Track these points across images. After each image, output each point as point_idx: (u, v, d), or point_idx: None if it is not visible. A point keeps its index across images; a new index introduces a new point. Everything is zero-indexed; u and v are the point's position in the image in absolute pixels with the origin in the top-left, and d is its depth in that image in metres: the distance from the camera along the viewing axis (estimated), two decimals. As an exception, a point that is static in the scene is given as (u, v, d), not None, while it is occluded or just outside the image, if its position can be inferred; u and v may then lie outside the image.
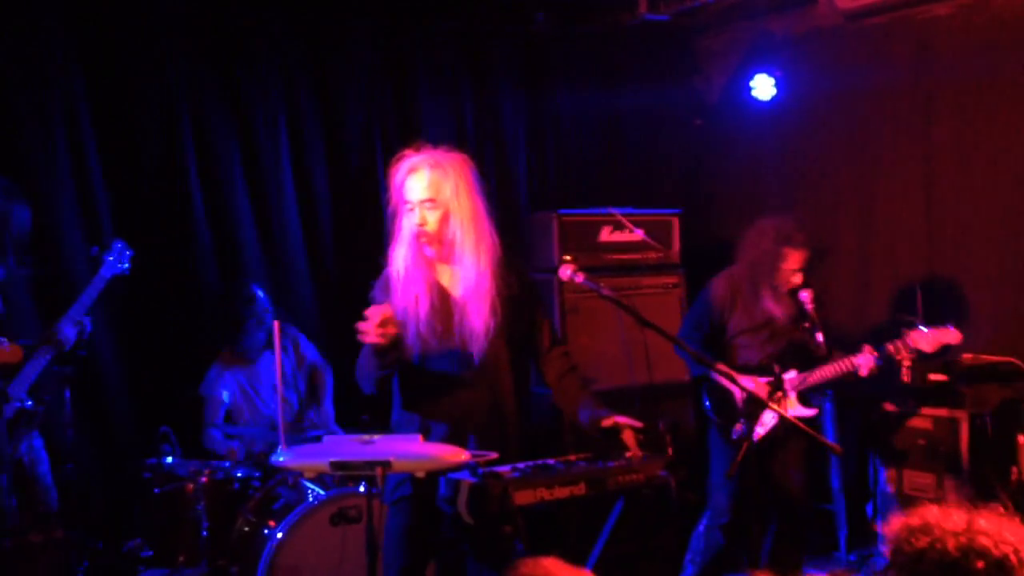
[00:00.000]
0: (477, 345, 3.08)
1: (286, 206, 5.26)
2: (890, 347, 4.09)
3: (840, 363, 4.08)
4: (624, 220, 5.17)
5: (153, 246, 4.67)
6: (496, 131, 5.90)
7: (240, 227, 5.13)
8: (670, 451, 3.09)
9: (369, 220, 5.53)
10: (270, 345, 4.61)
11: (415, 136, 5.54)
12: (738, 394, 4.08)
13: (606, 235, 5.29)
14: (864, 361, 4.06)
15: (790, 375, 4.11)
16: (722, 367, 4.05)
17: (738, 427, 4.01)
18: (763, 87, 5.67)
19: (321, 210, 5.40)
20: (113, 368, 4.72)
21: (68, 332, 3.79)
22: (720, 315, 4.26)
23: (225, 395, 4.62)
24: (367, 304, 3.23)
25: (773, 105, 5.71)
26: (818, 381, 4.13)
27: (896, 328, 4.14)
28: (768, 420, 4.04)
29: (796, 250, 4.17)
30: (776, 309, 4.21)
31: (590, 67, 6.11)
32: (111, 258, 4.04)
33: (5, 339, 3.13)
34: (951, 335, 4.06)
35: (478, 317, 3.08)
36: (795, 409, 4.09)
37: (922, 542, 1.68)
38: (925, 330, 4.04)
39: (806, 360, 4.15)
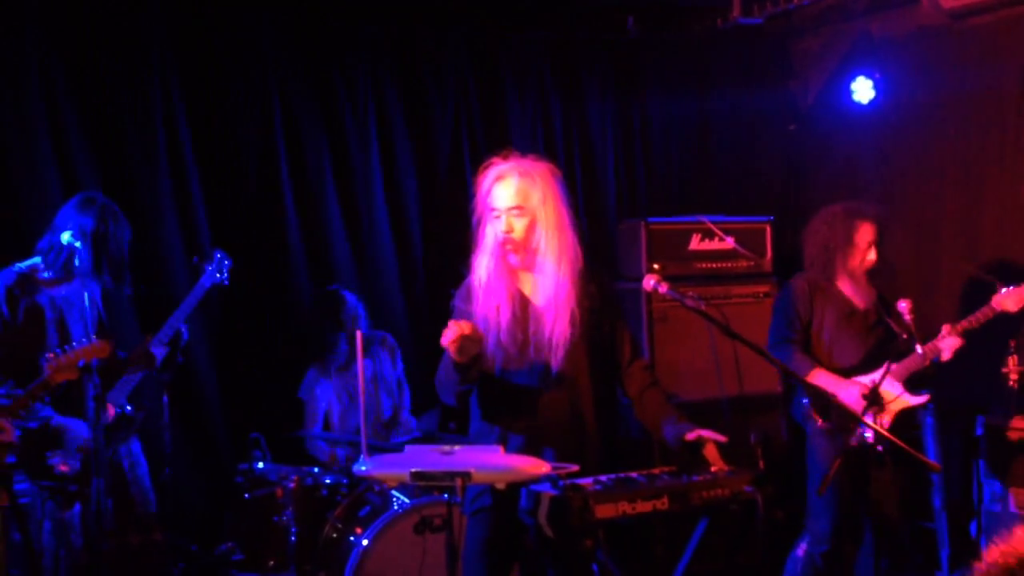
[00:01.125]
0: (556, 356, 3.05)
1: (376, 215, 5.33)
2: (970, 319, 3.94)
3: (925, 349, 3.92)
4: (714, 228, 5.07)
5: (248, 256, 4.79)
6: (584, 138, 5.87)
7: (332, 236, 5.22)
8: (761, 465, 3.01)
9: (457, 229, 5.55)
10: (368, 352, 4.66)
11: (502, 144, 5.55)
12: (842, 396, 3.92)
13: (696, 243, 5.20)
14: (946, 344, 3.89)
15: (884, 372, 3.94)
16: (820, 373, 3.93)
17: (858, 431, 3.83)
18: (862, 90, 5.50)
19: (411, 219, 5.45)
20: (208, 375, 4.85)
21: (157, 352, 3.88)
22: (805, 314, 4.13)
23: (322, 400, 4.68)
24: (451, 312, 3.24)
25: (872, 109, 5.52)
26: (906, 373, 3.96)
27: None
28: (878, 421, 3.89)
29: (866, 221, 4.05)
30: (855, 295, 4.08)
31: (681, 72, 6.03)
32: (211, 267, 4.12)
33: (95, 336, 3.23)
34: None
35: (558, 327, 3.05)
36: (902, 399, 3.91)
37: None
38: (1006, 290, 3.87)
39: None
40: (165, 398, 4.13)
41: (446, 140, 5.52)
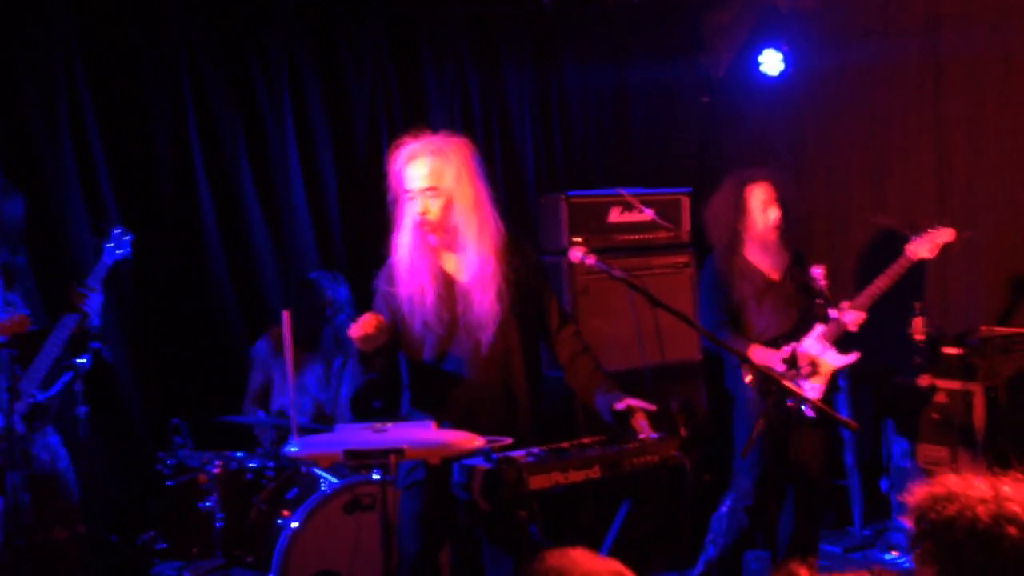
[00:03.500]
0: (485, 331, 3.06)
1: (294, 194, 5.23)
2: (888, 272, 3.99)
3: (829, 326, 4.01)
4: (633, 200, 5.12)
5: (159, 238, 4.66)
6: (503, 113, 5.85)
7: (248, 215, 5.11)
8: (683, 431, 3.08)
9: (376, 207, 5.49)
10: (340, 348, 4.56)
11: (421, 119, 5.53)
12: (777, 367, 4.00)
13: (615, 216, 5.25)
14: (849, 318, 3.97)
15: (809, 341, 4.03)
16: (756, 349, 4.00)
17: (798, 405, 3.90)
18: (771, 62, 5.62)
19: (329, 198, 5.37)
20: (122, 362, 4.71)
21: (93, 298, 3.75)
22: (725, 293, 4.18)
23: (266, 370, 4.59)
24: (374, 294, 3.22)
25: (782, 80, 5.65)
26: (834, 335, 4.04)
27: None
28: (809, 387, 3.98)
29: (755, 183, 4.12)
30: (767, 266, 4.13)
31: (597, 45, 6.05)
32: (110, 245, 4.00)
33: (11, 309, 3.10)
34: (944, 233, 3.99)
35: (484, 303, 3.06)
36: (834, 359, 4.01)
37: (949, 510, 1.67)
38: (917, 238, 3.99)
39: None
40: (79, 386, 4.00)
41: (363, 117, 5.44)
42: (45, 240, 4.44)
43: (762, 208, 4.11)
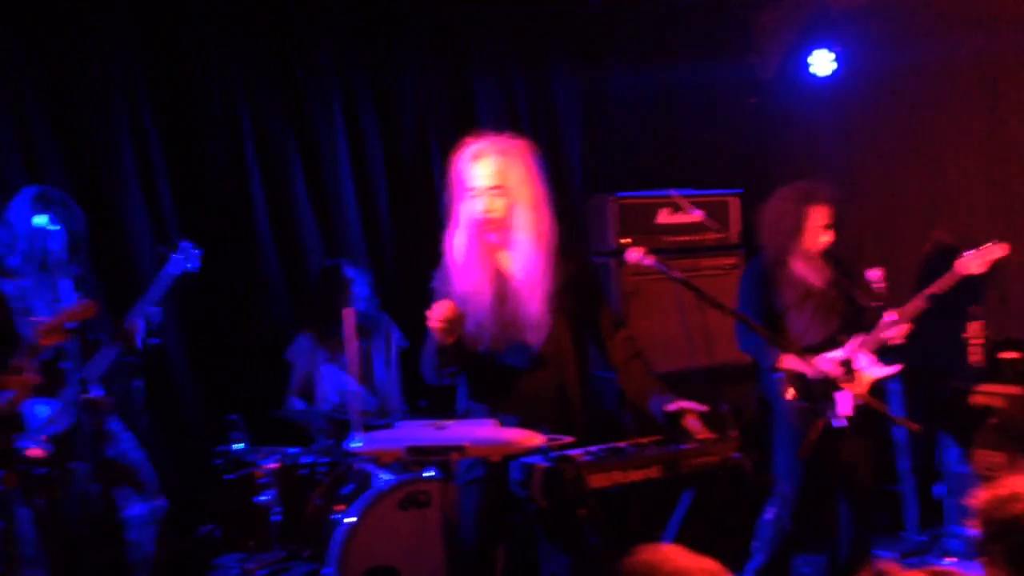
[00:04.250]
0: (537, 332, 3.08)
1: (344, 195, 5.30)
2: (936, 285, 3.96)
3: (870, 337, 3.99)
4: (683, 202, 5.12)
5: (216, 240, 4.74)
6: (549, 113, 5.87)
7: (299, 216, 5.19)
8: (733, 434, 3.07)
9: (424, 206, 5.56)
10: (365, 334, 4.62)
11: (468, 121, 5.60)
12: (811, 375, 3.99)
13: (664, 217, 5.26)
14: (893, 333, 3.94)
15: (854, 346, 4.01)
16: (788, 359, 3.98)
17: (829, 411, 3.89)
18: (821, 63, 5.58)
19: (378, 198, 5.43)
20: (180, 359, 4.80)
21: (136, 321, 3.84)
22: (765, 298, 4.16)
23: (305, 367, 4.66)
24: (424, 292, 3.25)
25: (832, 81, 5.61)
26: (876, 344, 4.02)
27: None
28: (844, 401, 3.96)
29: (817, 205, 4.08)
30: (810, 274, 4.11)
31: (644, 46, 6.04)
32: (177, 256, 4.05)
33: (80, 295, 3.18)
34: (997, 249, 3.96)
35: (535, 304, 3.07)
36: (875, 370, 3.98)
37: (1016, 509, 1.67)
38: (968, 253, 3.95)
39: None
40: (139, 383, 4.08)
41: (411, 120, 5.49)
42: (111, 251, 4.55)
43: (819, 230, 4.09)
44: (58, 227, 3.56)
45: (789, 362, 3.97)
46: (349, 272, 4.69)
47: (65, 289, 3.62)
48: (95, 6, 4.61)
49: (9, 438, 3.53)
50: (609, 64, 6.02)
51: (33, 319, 3.11)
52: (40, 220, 3.54)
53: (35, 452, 3.55)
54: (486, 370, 3.15)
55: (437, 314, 2.89)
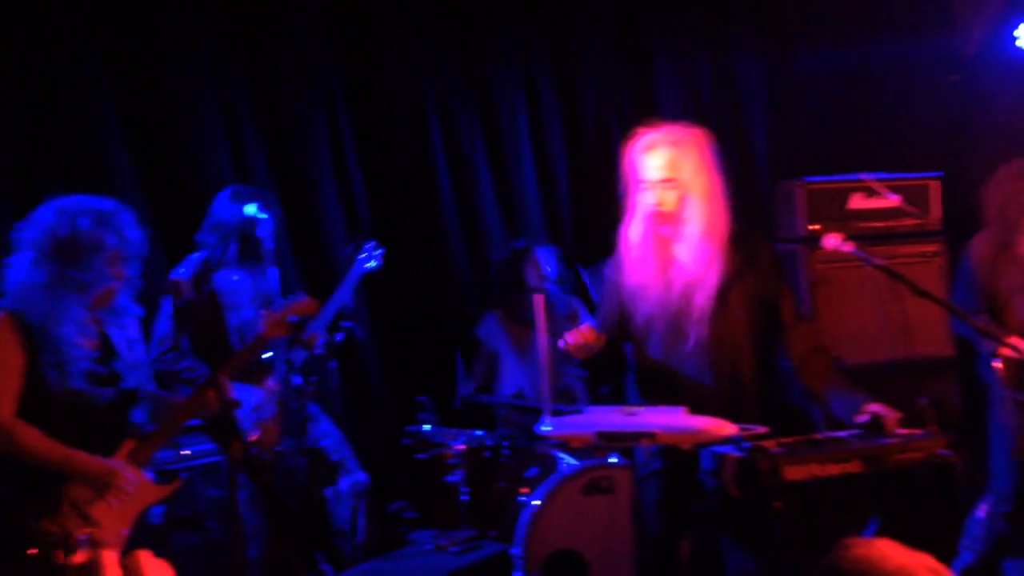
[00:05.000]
0: (710, 324, 3.01)
1: (526, 186, 5.38)
2: None
3: None
4: (878, 186, 4.89)
5: (404, 228, 4.91)
6: (733, 98, 5.76)
7: (483, 209, 5.32)
8: (933, 429, 2.91)
9: (604, 195, 5.55)
10: (553, 318, 4.68)
11: (650, 106, 5.56)
12: None
13: (856, 202, 5.04)
14: None
15: None
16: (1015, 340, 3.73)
17: None
18: (1029, 36, 5.22)
19: (559, 186, 5.48)
20: (371, 341, 5.00)
21: (316, 330, 4.02)
22: (987, 280, 3.91)
23: (497, 347, 4.76)
24: (602, 282, 3.25)
25: (1042, 56, 5.24)
26: None
27: None
28: None
29: None
30: None
31: (834, 23, 5.81)
32: (362, 257, 4.25)
33: (303, 293, 3.34)
34: None
35: (707, 295, 3.01)
36: None
37: None
38: None
39: None
40: (333, 363, 4.27)
41: (593, 106, 5.50)
42: (307, 242, 4.79)
43: None
44: (266, 215, 3.74)
45: (1011, 348, 3.73)
46: (539, 253, 4.72)
47: (273, 278, 3.83)
48: (294, 6, 4.84)
49: (236, 423, 3.74)
50: (796, 45, 5.83)
51: (261, 312, 3.30)
52: (250, 209, 3.74)
53: (252, 436, 3.76)
54: (656, 363, 3.13)
55: (572, 341, 2.89)
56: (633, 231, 3.12)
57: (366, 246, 4.31)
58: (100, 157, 4.28)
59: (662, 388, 3.12)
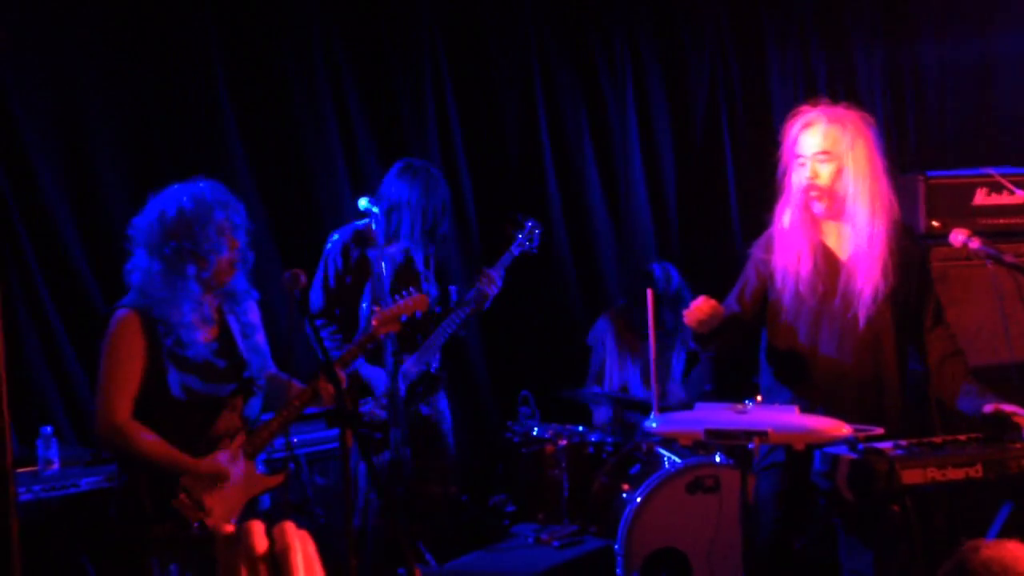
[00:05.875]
0: (863, 310, 2.92)
1: (633, 178, 5.33)
2: None
3: None
4: (1004, 181, 4.67)
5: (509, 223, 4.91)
6: (849, 91, 5.58)
7: (589, 201, 5.29)
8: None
9: (712, 187, 5.48)
10: (673, 334, 4.63)
11: (762, 101, 5.43)
12: None
13: (981, 198, 4.81)
14: None
15: None
16: None
17: None
18: None
19: (666, 181, 5.41)
20: (474, 337, 5.01)
21: (492, 291, 3.97)
22: None
23: (602, 353, 4.73)
24: (709, 274, 3.18)
25: None
26: None
27: None
28: None
29: None
30: None
31: (958, 14, 5.59)
32: (521, 235, 4.11)
33: (413, 289, 3.35)
34: None
35: (867, 280, 2.92)
36: None
37: None
38: None
39: None
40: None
41: (702, 100, 5.42)
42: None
43: None
44: (376, 208, 3.76)
45: None
46: (660, 276, 4.61)
47: (417, 262, 3.84)
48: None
49: (355, 401, 3.78)
50: (917, 35, 5.64)
51: (374, 308, 3.31)
52: (363, 203, 3.75)
53: (376, 415, 3.79)
54: (795, 348, 3.03)
55: (692, 312, 2.82)
56: (786, 209, 3.05)
57: (527, 225, 4.12)
58: (215, 148, 4.37)
59: (799, 374, 3.04)
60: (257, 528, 0.98)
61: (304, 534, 1.00)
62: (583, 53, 5.22)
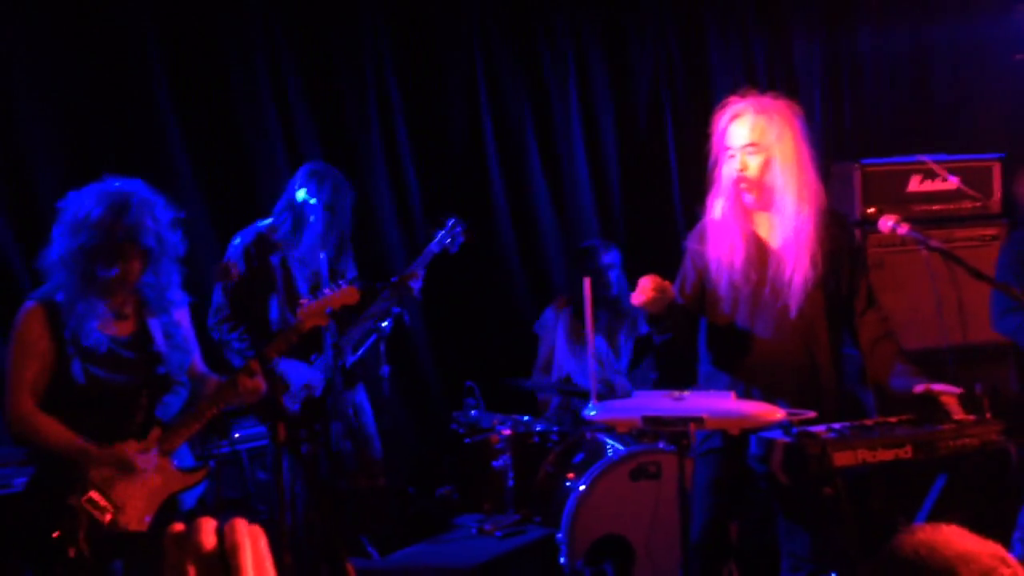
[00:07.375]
0: (795, 298, 2.96)
1: (576, 166, 5.34)
2: None
3: None
4: (937, 168, 4.77)
5: (453, 209, 4.88)
6: (788, 79, 5.66)
7: (533, 191, 5.30)
8: (988, 416, 2.84)
9: (655, 175, 5.52)
10: (615, 318, 4.63)
11: (703, 88, 5.48)
12: None
13: (915, 185, 4.92)
14: None
15: None
16: None
17: None
18: (1101, 12, 5.03)
19: (610, 169, 5.43)
20: (419, 326, 5.00)
21: (415, 285, 3.95)
22: None
23: (550, 342, 4.75)
24: (653, 263, 3.20)
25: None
26: None
27: None
28: None
29: None
30: None
31: (894, 4, 5.69)
32: (440, 233, 4.08)
33: (344, 281, 3.32)
34: None
35: (796, 268, 2.96)
36: None
37: None
38: None
39: None
40: (383, 347, 4.27)
41: (645, 87, 5.45)
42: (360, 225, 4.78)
43: None
44: (315, 200, 3.73)
45: None
46: (603, 256, 4.64)
47: (322, 263, 3.82)
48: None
49: (280, 397, 3.75)
50: (854, 25, 5.72)
51: (301, 301, 3.28)
52: (301, 194, 3.72)
53: (294, 410, 3.77)
54: (732, 336, 3.08)
55: (639, 291, 2.85)
56: (717, 201, 3.08)
57: (448, 222, 4.11)
58: (153, 134, 4.31)
59: (736, 361, 3.08)
60: (207, 525, 0.96)
61: (257, 530, 0.99)
62: (526, 43, 5.22)
